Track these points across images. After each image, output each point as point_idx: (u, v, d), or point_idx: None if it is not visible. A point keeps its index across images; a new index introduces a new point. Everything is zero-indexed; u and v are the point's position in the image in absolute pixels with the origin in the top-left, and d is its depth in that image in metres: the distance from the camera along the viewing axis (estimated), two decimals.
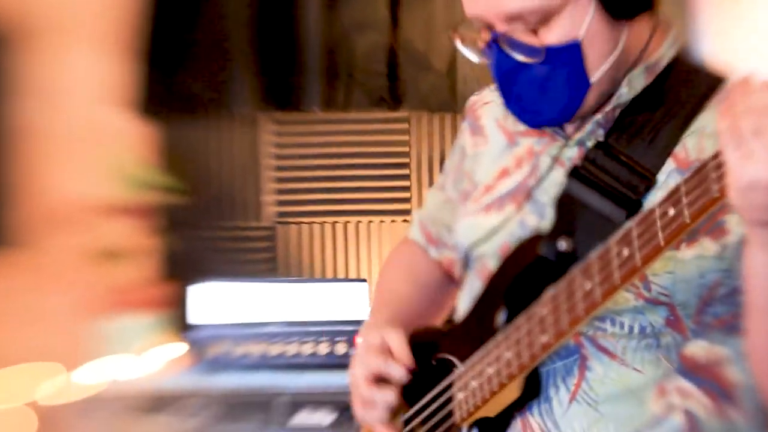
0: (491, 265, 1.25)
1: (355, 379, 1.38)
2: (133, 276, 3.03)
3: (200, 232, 3.27)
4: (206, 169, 3.31)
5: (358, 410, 1.39)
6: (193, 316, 2.75)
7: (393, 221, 3.32)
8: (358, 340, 1.48)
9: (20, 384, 2.77)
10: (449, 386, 1.28)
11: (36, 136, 3.09)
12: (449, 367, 1.30)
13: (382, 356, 1.33)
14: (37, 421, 2.72)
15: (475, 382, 1.20)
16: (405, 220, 3.30)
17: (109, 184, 3.02)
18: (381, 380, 1.34)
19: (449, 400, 1.27)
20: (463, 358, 1.26)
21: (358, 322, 2.62)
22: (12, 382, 2.77)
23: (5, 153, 3.05)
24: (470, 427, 1.22)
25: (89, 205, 3.02)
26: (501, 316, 1.19)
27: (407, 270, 1.56)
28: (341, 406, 2.42)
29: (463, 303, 1.36)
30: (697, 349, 1.12)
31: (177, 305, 2.90)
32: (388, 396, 1.33)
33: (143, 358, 2.76)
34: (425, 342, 1.39)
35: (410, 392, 1.37)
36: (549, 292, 1.09)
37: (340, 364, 2.57)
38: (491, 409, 1.18)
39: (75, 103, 3.15)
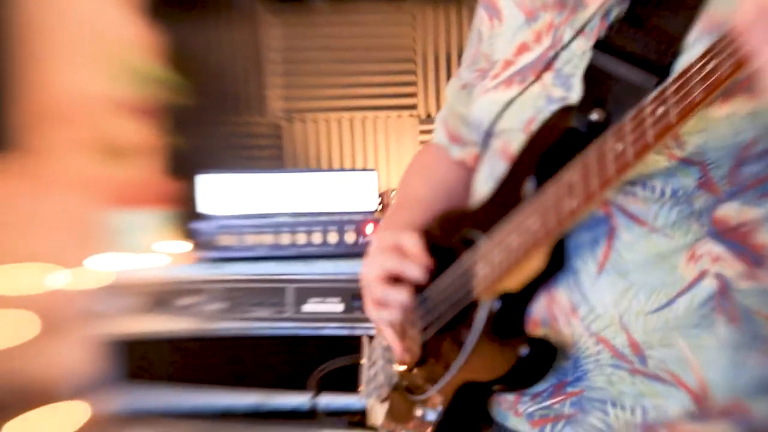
0: (516, 142, 1.22)
1: (367, 279, 1.38)
2: (139, 172, 3.02)
3: (206, 129, 3.24)
4: (210, 65, 3.27)
5: (371, 311, 1.38)
6: (201, 206, 2.73)
7: (399, 116, 3.29)
8: (371, 240, 1.47)
9: (26, 279, 2.78)
10: (472, 264, 1.25)
11: (37, 34, 3.04)
12: (472, 245, 1.27)
13: (397, 256, 1.33)
14: (40, 322, 2.74)
15: (499, 255, 1.17)
16: (411, 115, 3.28)
17: (112, 80, 2.98)
18: (395, 280, 1.35)
19: (471, 276, 1.25)
20: (486, 233, 1.24)
21: (367, 212, 2.67)
22: (18, 277, 2.78)
23: (5, 51, 3.00)
24: (494, 302, 1.18)
25: (92, 102, 2.99)
26: (529, 187, 1.15)
27: (426, 174, 1.55)
28: (351, 294, 2.44)
29: (482, 185, 1.34)
30: (729, 211, 1.09)
31: (184, 201, 2.89)
32: (403, 295, 1.33)
33: (151, 254, 2.77)
34: (449, 225, 1.38)
35: (433, 278, 1.35)
36: (579, 158, 1.05)
37: (350, 253, 2.58)
38: (514, 283, 1.15)
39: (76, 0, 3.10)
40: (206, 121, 3.25)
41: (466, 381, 1.22)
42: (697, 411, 1.10)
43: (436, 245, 1.36)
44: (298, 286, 2.49)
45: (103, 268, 2.63)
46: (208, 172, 2.76)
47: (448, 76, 3.19)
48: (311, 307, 2.48)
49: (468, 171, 1.51)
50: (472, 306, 1.23)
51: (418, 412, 1.32)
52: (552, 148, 1.14)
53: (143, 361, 2.58)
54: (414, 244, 1.33)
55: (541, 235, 1.10)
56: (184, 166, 3.03)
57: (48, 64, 3.05)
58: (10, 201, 2.94)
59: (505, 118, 1.25)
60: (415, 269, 1.32)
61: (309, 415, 2.40)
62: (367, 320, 1.43)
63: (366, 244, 2.52)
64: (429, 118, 3.26)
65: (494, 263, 1.18)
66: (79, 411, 2.61)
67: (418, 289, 1.36)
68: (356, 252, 2.54)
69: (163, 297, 2.55)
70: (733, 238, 1.10)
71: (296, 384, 2.45)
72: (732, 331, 1.09)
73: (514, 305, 1.17)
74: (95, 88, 2.99)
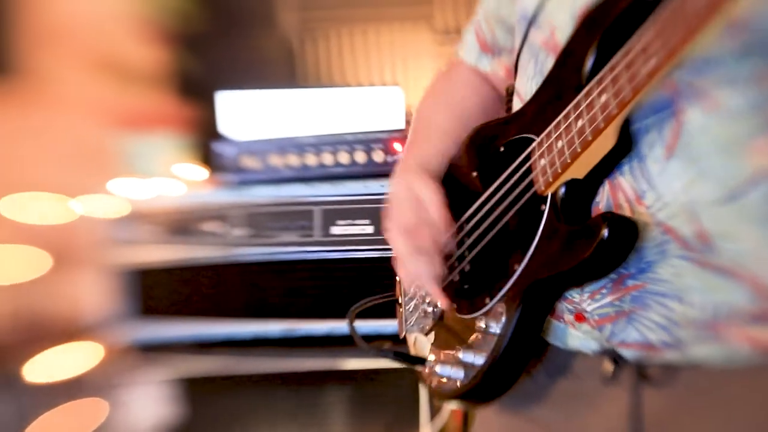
0: (563, 32, 1.13)
1: (390, 235, 1.33)
2: (151, 95, 2.90)
3: (221, 47, 3.11)
4: None
5: (403, 278, 1.36)
6: (222, 126, 2.61)
7: (416, 28, 3.18)
8: (392, 179, 1.41)
9: (38, 209, 2.68)
10: (526, 162, 1.17)
11: None
12: (523, 146, 1.19)
13: (416, 210, 1.30)
14: (52, 257, 2.65)
15: (562, 141, 1.09)
16: (429, 27, 3.17)
17: None
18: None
19: (527, 173, 1.17)
20: (540, 131, 1.15)
21: (394, 130, 2.54)
22: (29, 207, 2.68)
23: None
24: (558, 189, 1.10)
25: (100, 22, 2.86)
26: (588, 65, 1.06)
27: (443, 100, 1.49)
28: (381, 214, 2.34)
29: (525, 86, 1.24)
30: None
31: (200, 124, 2.78)
32: (429, 266, 1.28)
33: (169, 179, 2.66)
34: (484, 140, 1.29)
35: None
36: (650, 19, 0.94)
37: (378, 172, 2.47)
38: (581, 168, 1.07)
39: None
40: (218, 40, 3.11)
41: (534, 280, 1.13)
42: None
43: (466, 171, 1.30)
44: (325, 209, 2.38)
45: (119, 195, 2.52)
46: (228, 89, 2.62)
47: None
48: (340, 229, 2.37)
49: (492, 89, 1.44)
50: (530, 205, 1.16)
51: (480, 325, 1.23)
52: (614, 23, 1.03)
53: (163, 292, 2.49)
54: (431, 199, 1.29)
55: (615, 106, 1.00)
56: (198, 87, 2.90)
57: None
58: (17, 127, 2.82)
59: (549, 7, 1.17)
60: (437, 233, 1.28)
61: (343, 340, 2.32)
62: None
63: (394, 163, 2.41)
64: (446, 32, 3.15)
65: (557, 151, 1.10)
66: (97, 347, 2.54)
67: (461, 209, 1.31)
68: (385, 171, 2.42)
69: (183, 224, 2.45)
70: None
71: (326, 310, 2.36)
72: None
73: (580, 193, 1.09)
74: (102, 8, 2.85)
